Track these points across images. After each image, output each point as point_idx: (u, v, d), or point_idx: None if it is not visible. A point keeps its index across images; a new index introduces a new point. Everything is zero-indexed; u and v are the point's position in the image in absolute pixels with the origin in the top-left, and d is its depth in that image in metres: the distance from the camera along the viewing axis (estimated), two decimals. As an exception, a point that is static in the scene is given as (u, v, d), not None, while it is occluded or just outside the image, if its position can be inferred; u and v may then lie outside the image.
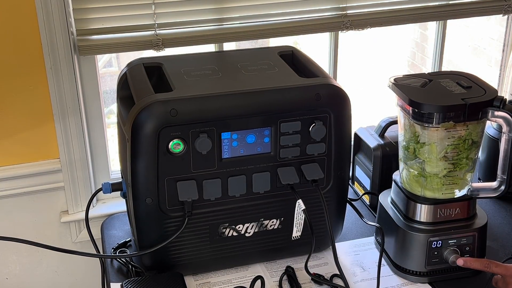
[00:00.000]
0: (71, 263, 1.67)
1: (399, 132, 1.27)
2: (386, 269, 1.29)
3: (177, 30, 1.52)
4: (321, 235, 1.28)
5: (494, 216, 1.47)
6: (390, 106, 1.35)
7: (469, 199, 1.25)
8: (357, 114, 1.33)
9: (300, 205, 1.19)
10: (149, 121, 1.09)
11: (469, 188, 1.24)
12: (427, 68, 2.83)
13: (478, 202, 1.29)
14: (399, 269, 1.27)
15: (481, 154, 1.56)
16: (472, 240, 1.25)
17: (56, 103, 1.49)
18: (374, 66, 3.53)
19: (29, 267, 1.66)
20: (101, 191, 1.26)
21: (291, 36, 1.65)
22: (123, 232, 1.43)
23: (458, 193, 1.24)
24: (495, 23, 2.25)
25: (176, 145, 1.12)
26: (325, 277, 1.25)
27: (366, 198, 1.53)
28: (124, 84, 1.27)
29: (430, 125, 1.17)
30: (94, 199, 1.64)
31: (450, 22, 1.82)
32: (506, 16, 1.89)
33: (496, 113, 1.15)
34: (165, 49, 1.50)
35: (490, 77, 2.00)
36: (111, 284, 1.25)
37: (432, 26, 2.41)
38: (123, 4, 1.46)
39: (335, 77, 1.76)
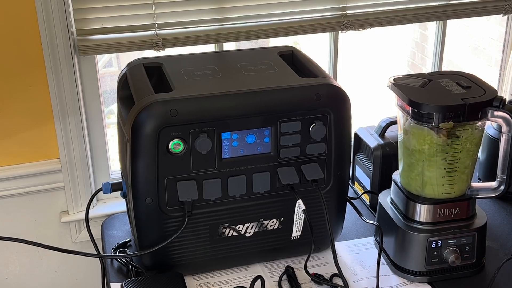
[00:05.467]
0: (71, 263, 1.67)
1: (399, 132, 1.27)
2: (385, 268, 1.29)
3: (177, 30, 1.52)
4: (321, 235, 1.28)
5: (494, 216, 1.47)
6: (390, 106, 1.35)
7: (469, 199, 1.25)
8: (357, 114, 1.33)
9: (300, 205, 1.19)
10: (149, 121, 1.09)
11: (469, 188, 1.24)
12: (427, 68, 2.83)
13: (478, 202, 1.29)
14: (399, 269, 1.27)
15: (481, 154, 1.56)
16: (472, 240, 1.25)
17: (56, 103, 1.49)
18: (374, 66, 3.53)
19: (29, 267, 1.66)
20: (101, 191, 1.26)
21: (291, 36, 1.65)
22: (123, 232, 1.43)
23: (458, 193, 1.24)
24: (495, 23, 2.24)
25: (176, 145, 1.12)
26: (325, 277, 1.26)
27: (366, 198, 1.53)
28: (124, 84, 1.27)
29: (430, 125, 1.17)
30: (94, 199, 1.64)
31: (450, 22, 1.82)
32: (506, 16, 1.89)
33: (496, 113, 1.15)
34: (165, 49, 1.50)
35: (490, 77, 2.00)
36: (111, 284, 1.25)
37: (432, 26, 2.41)
38: (123, 4, 1.47)
39: (335, 77, 1.76)
